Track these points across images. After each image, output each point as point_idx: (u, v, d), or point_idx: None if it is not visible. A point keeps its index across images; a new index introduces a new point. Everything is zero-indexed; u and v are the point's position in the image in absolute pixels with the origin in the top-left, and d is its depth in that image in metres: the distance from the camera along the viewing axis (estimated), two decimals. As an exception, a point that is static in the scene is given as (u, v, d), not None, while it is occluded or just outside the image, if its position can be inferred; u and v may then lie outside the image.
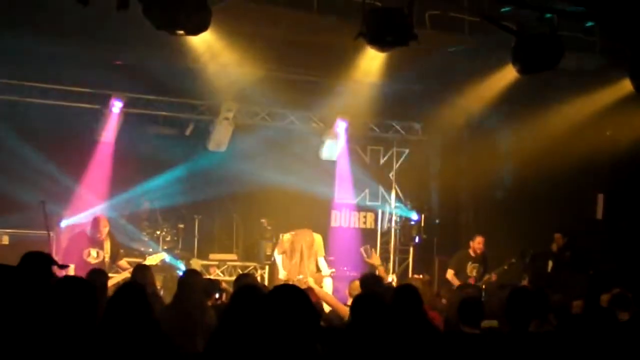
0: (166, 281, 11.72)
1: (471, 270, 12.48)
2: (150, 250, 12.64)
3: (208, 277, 11.89)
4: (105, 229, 10.21)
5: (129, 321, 4.64)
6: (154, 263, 10.15)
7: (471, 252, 12.60)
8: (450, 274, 12.46)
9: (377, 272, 9.46)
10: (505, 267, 12.56)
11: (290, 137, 13.89)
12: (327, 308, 8.03)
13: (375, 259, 10.32)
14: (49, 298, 4.00)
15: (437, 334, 5.96)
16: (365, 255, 10.54)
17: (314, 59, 11.23)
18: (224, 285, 8.95)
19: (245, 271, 13.21)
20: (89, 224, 10.59)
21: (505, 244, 13.16)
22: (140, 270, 7.97)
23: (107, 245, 10.19)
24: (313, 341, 3.96)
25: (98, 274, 7.77)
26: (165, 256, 10.85)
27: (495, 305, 7.67)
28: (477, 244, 12.54)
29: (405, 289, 6.21)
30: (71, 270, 9.57)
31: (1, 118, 11.68)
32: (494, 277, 12.43)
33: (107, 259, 10.12)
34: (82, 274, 9.11)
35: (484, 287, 12.07)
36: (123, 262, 10.28)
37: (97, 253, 10.06)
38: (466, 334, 6.11)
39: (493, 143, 13.53)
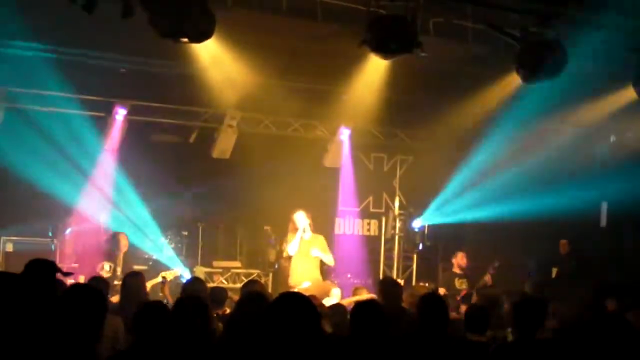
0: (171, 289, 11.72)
1: (460, 284, 12.50)
2: (155, 258, 12.64)
3: (214, 285, 11.90)
4: (124, 248, 10.31)
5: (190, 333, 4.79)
6: (168, 279, 10.15)
7: (455, 269, 12.65)
8: (442, 292, 12.50)
9: None
10: (492, 272, 12.55)
11: (294, 144, 13.89)
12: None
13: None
14: (58, 305, 4.00)
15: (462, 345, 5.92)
16: None
17: (317, 66, 11.24)
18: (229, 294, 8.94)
19: (249, 278, 13.21)
20: (102, 236, 10.61)
21: (509, 252, 13.14)
22: (132, 277, 7.97)
23: (120, 260, 10.26)
24: (316, 348, 3.95)
25: (98, 282, 7.76)
26: (180, 272, 10.83)
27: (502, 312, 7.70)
28: (460, 259, 12.62)
29: (432, 299, 6.12)
30: (81, 281, 9.62)
31: (4, 125, 11.70)
32: (488, 279, 12.40)
33: (119, 273, 10.16)
34: None
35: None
36: None
37: (110, 267, 10.10)
38: (472, 341, 6.09)
39: (497, 149, 13.51)
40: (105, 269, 10.06)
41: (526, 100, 11.57)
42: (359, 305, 5.42)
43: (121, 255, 10.31)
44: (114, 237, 10.46)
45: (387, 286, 7.89)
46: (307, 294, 4.79)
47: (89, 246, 10.94)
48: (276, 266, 13.01)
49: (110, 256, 10.20)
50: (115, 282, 9.68)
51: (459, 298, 12.03)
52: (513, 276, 13.21)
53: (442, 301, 5.93)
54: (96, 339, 3.84)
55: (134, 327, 4.93)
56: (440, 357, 5.52)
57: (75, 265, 11.35)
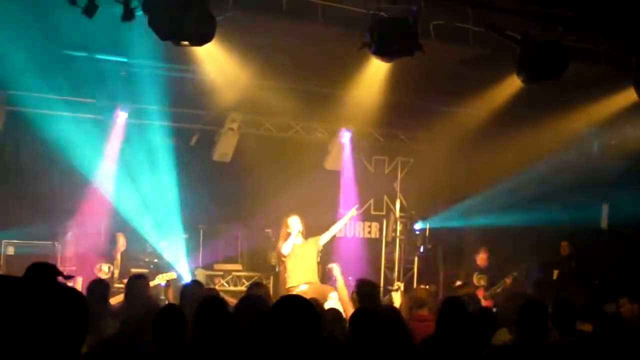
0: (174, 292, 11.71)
1: (478, 280, 12.48)
2: (156, 260, 12.62)
3: (211, 287, 11.87)
4: (122, 248, 10.25)
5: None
6: (163, 282, 10.12)
7: (478, 263, 12.63)
8: (458, 284, 12.52)
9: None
10: (515, 274, 12.51)
11: (295, 147, 13.90)
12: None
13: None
14: (40, 308, 3.98)
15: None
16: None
17: (318, 69, 11.25)
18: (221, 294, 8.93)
19: (250, 281, 13.23)
20: (101, 237, 10.56)
21: (511, 254, 13.13)
22: (136, 280, 7.96)
23: (118, 261, 10.20)
24: (317, 352, 3.94)
25: (100, 285, 7.76)
26: (175, 275, 10.79)
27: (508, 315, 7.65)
28: (481, 259, 12.61)
29: (452, 304, 6.08)
30: (79, 283, 9.59)
31: (6, 129, 11.70)
32: (508, 282, 12.37)
33: (116, 275, 10.12)
34: None
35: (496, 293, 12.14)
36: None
37: (108, 268, 10.05)
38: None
39: (497, 152, 13.51)
40: (103, 270, 10.02)
41: (527, 102, 11.59)
42: (356, 313, 5.39)
43: (119, 256, 10.27)
44: (112, 236, 10.41)
45: (363, 288, 7.66)
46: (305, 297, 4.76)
47: (88, 248, 10.90)
48: (277, 269, 12.99)
49: (109, 257, 10.16)
50: (116, 285, 9.66)
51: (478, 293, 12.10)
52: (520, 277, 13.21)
53: (462, 306, 5.88)
54: (78, 343, 3.80)
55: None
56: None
57: (73, 268, 11.29)
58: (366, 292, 7.48)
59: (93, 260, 10.18)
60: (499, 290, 12.32)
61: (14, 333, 3.66)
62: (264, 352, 3.89)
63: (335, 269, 8.98)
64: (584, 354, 5.34)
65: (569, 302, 6.24)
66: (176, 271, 11.29)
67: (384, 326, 5.14)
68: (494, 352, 5.78)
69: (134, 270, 10.82)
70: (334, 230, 11.32)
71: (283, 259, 11.15)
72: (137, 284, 7.73)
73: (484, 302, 11.49)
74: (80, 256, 10.79)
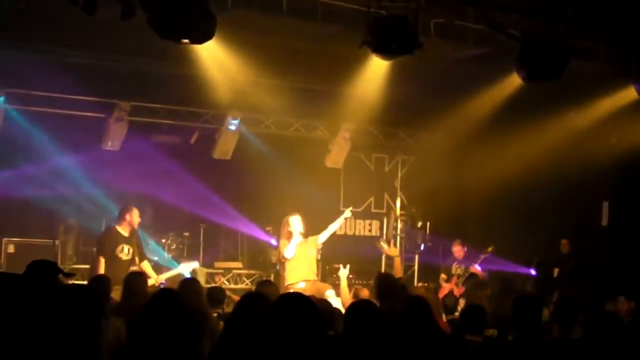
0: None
1: (455, 269, 12.66)
2: (156, 258, 12.62)
3: (214, 285, 11.89)
4: (137, 220, 10.13)
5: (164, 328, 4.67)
6: (163, 279, 10.09)
7: (456, 255, 12.77)
8: (441, 277, 12.73)
9: (395, 264, 10.13)
10: (483, 257, 12.59)
11: (295, 145, 13.89)
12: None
13: (393, 251, 10.41)
14: (53, 305, 3.99)
15: (449, 345, 5.87)
16: (384, 247, 11.57)
17: (318, 67, 11.25)
18: (228, 293, 8.94)
19: (251, 279, 13.27)
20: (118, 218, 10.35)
21: (511, 252, 13.14)
22: (135, 277, 7.97)
23: (134, 243, 10.11)
24: (319, 351, 3.94)
25: (100, 282, 7.75)
26: (180, 274, 10.68)
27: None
28: (456, 250, 12.75)
29: (416, 302, 6.09)
30: (101, 264, 9.58)
31: (7, 126, 11.70)
32: (473, 269, 12.48)
33: (137, 258, 10.08)
34: (112, 268, 9.29)
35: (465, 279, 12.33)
36: (146, 265, 10.16)
37: (129, 250, 9.97)
38: (468, 341, 6.05)
39: (498, 151, 13.51)
40: (124, 252, 9.93)
41: (527, 99, 11.59)
42: (352, 306, 5.38)
43: (132, 236, 10.11)
44: (130, 210, 10.21)
45: (383, 283, 7.71)
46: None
47: (107, 230, 10.70)
48: (277, 267, 13.01)
49: (126, 238, 10.00)
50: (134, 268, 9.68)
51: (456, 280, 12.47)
52: (514, 276, 13.22)
53: (426, 305, 5.87)
54: (92, 338, 3.82)
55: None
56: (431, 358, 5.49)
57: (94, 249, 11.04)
58: (384, 286, 7.56)
59: (115, 240, 9.96)
60: (467, 274, 12.45)
61: (30, 330, 3.69)
62: (265, 348, 3.89)
63: (342, 272, 9.40)
64: (579, 352, 5.33)
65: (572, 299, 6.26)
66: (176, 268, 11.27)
67: (381, 318, 5.11)
68: (488, 347, 5.78)
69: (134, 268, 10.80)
70: (331, 229, 11.28)
71: (284, 260, 11.09)
72: (135, 281, 7.74)
73: (456, 290, 12.01)
74: (102, 236, 10.52)
